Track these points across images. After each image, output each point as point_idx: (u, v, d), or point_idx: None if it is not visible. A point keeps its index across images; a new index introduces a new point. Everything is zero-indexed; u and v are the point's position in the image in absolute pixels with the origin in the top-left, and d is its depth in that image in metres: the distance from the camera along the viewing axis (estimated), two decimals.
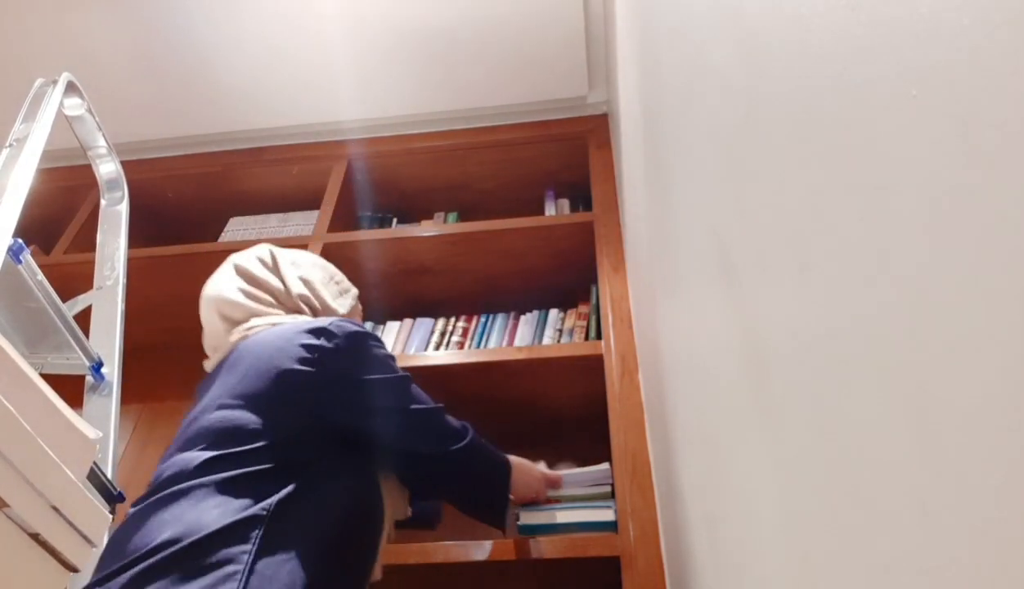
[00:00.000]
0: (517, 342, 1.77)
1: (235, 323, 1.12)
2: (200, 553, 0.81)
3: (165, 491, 0.89)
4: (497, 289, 1.88)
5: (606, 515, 1.31)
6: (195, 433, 0.96)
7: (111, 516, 0.68)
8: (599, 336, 1.58)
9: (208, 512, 0.85)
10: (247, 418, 0.95)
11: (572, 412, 1.64)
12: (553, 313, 1.82)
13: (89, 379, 1.21)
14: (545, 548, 1.22)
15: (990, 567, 0.25)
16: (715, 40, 0.61)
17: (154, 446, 1.92)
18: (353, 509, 0.98)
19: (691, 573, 0.89)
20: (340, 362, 1.01)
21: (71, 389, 1.00)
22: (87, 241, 1.90)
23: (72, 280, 1.39)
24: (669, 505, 1.08)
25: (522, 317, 1.84)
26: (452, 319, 1.87)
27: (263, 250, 1.22)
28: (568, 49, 1.87)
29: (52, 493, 0.57)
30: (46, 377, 0.67)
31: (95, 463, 1.01)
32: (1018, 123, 0.23)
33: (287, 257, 1.22)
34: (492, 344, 1.78)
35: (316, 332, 1.01)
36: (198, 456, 0.92)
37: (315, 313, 1.18)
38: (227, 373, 1.02)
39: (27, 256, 1.05)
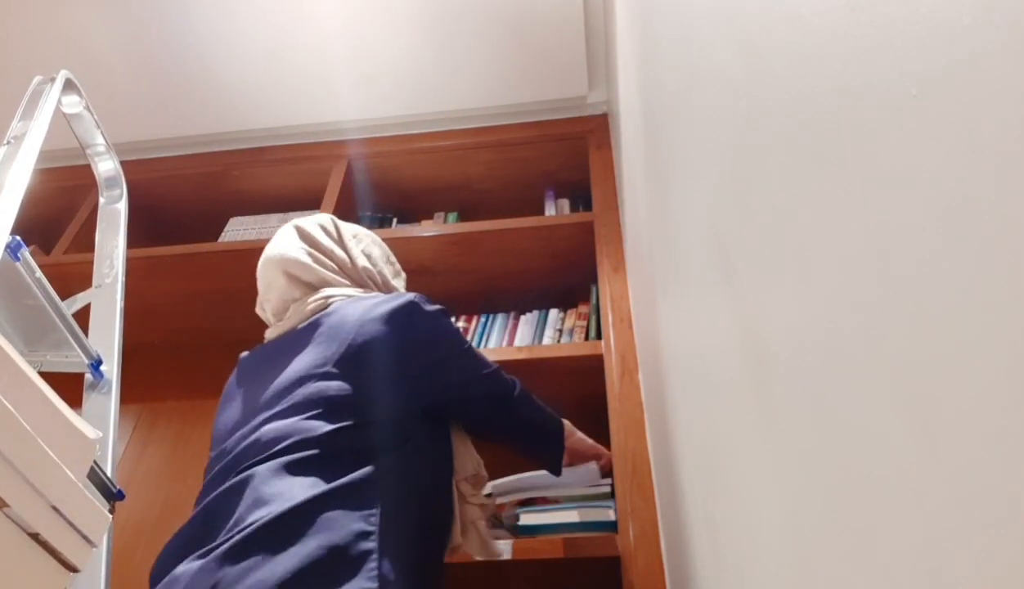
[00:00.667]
0: (517, 342, 1.77)
1: (306, 287, 1.11)
2: (332, 520, 0.82)
3: (279, 455, 0.88)
4: (497, 289, 1.88)
5: (606, 515, 1.31)
6: (298, 400, 0.94)
7: (111, 516, 0.68)
8: (599, 336, 1.58)
9: (329, 507, 0.84)
10: (352, 390, 0.94)
11: (572, 412, 1.64)
12: (553, 313, 1.82)
13: (88, 377, 1.21)
14: (545, 548, 1.22)
15: (991, 568, 0.25)
16: (715, 40, 0.61)
17: (154, 446, 1.93)
18: (438, 481, 1.03)
19: (691, 573, 0.89)
20: (439, 338, 1.05)
21: (70, 388, 1.00)
22: (87, 241, 1.90)
23: (72, 280, 1.39)
24: (669, 505, 1.08)
25: (522, 317, 1.84)
26: (452, 319, 1.87)
27: (325, 219, 1.22)
28: (568, 49, 1.87)
29: (52, 493, 0.57)
30: (45, 375, 0.67)
31: (95, 462, 1.01)
32: (1019, 123, 0.23)
33: (349, 230, 1.22)
34: (492, 344, 1.78)
35: (405, 309, 1.02)
36: (316, 425, 0.90)
37: (378, 288, 1.19)
38: (316, 343, 1.00)
39: (25, 253, 1.05)
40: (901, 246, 0.30)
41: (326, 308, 1.06)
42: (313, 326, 1.03)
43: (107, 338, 1.25)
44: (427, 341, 1.04)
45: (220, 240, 2.13)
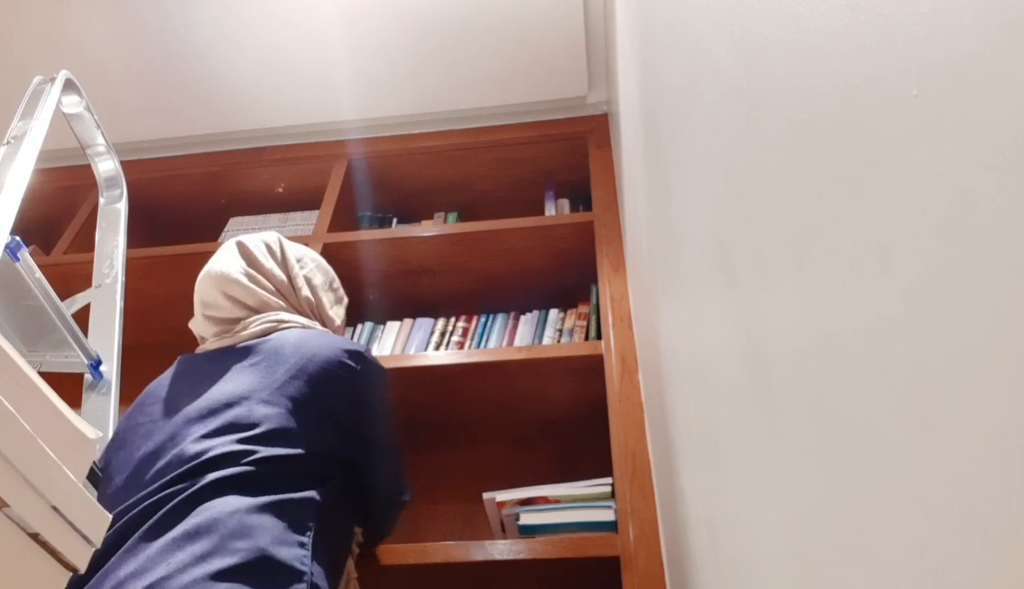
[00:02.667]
0: (517, 342, 1.77)
1: (247, 309, 1.10)
2: (263, 555, 0.81)
3: (210, 470, 0.87)
4: (497, 289, 1.88)
5: (606, 515, 1.31)
6: (232, 420, 0.93)
7: (111, 516, 0.68)
8: (599, 336, 1.58)
9: (266, 518, 0.85)
10: (300, 422, 0.94)
11: (572, 412, 1.64)
12: (553, 313, 1.82)
13: (88, 377, 1.21)
14: (545, 548, 1.22)
15: (991, 568, 0.25)
16: (715, 40, 0.61)
17: None
18: (346, 527, 1.03)
19: (692, 573, 0.89)
20: (370, 392, 1.04)
21: (70, 388, 1.00)
22: (87, 241, 1.90)
23: (72, 280, 1.39)
24: (669, 505, 1.08)
25: (522, 317, 1.84)
26: (452, 319, 1.87)
27: (272, 237, 1.20)
28: (568, 49, 1.87)
29: (52, 493, 0.57)
30: (45, 375, 0.67)
31: (95, 462, 1.01)
32: (1019, 123, 0.23)
33: (293, 252, 1.20)
34: (492, 344, 1.78)
35: (355, 356, 1.02)
36: (248, 448, 0.89)
37: (315, 317, 1.17)
38: (260, 366, 0.99)
39: (25, 254, 1.05)
40: (901, 246, 0.30)
41: (273, 332, 1.06)
42: (258, 348, 1.02)
43: (107, 338, 1.25)
44: (367, 388, 1.04)
45: (220, 240, 2.13)
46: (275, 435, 0.92)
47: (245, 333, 1.07)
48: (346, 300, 1.26)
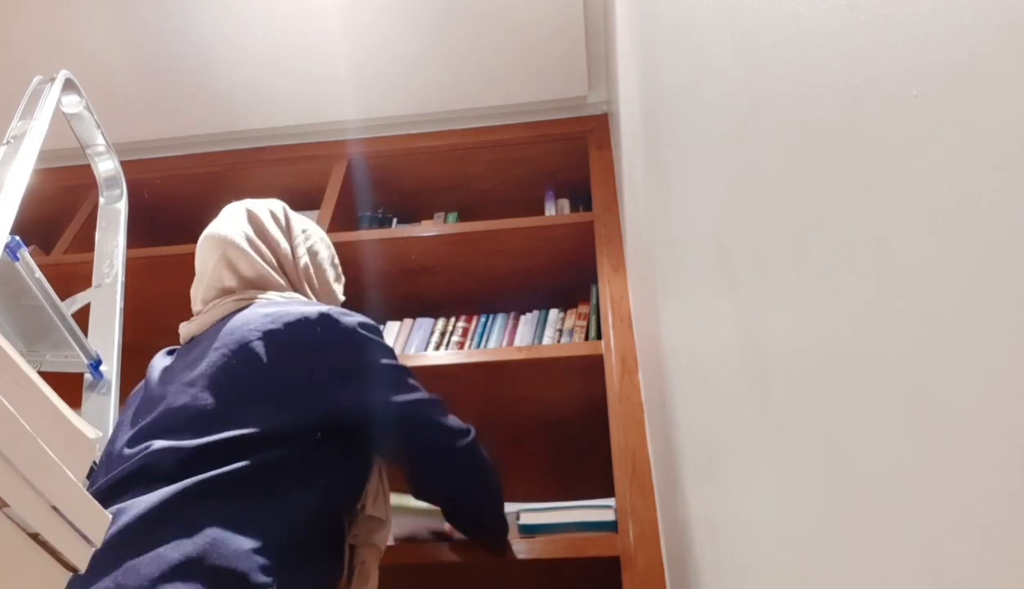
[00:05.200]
0: (517, 342, 1.77)
1: (242, 279, 1.04)
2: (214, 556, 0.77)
3: (157, 473, 0.82)
4: (497, 289, 1.88)
5: (606, 515, 1.31)
6: (190, 415, 0.88)
7: (111, 516, 0.68)
8: (599, 336, 1.57)
9: (234, 520, 0.80)
10: (244, 406, 0.88)
11: (572, 412, 1.64)
12: (553, 313, 1.82)
13: (88, 377, 1.21)
14: (545, 548, 1.22)
15: (991, 568, 0.25)
16: (715, 40, 0.61)
17: None
18: (332, 506, 0.95)
19: (692, 573, 0.89)
20: (346, 346, 0.96)
21: (70, 388, 1.00)
22: (87, 241, 1.90)
23: (72, 280, 1.39)
24: (669, 505, 1.08)
25: (522, 317, 1.84)
26: (452, 319, 1.87)
27: (277, 205, 1.15)
28: (568, 49, 1.87)
29: (52, 493, 0.57)
30: (45, 375, 0.67)
31: (95, 462, 1.01)
32: (1019, 123, 0.23)
33: (299, 223, 1.16)
34: (492, 344, 1.78)
35: (317, 318, 0.94)
36: (192, 442, 0.84)
37: (314, 291, 1.13)
38: (212, 350, 0.93)
39: (24, 253, 1.05)
40: (901, 245, 0.30)
41: (238, 310, 0.99)
42: (215, 331, 0.97)
43: (107, 338, 1.25)
44: (327, 348, 0.94)
45: None
46: (213, 422, 0.86)
47: (208, 317, 1.02)
48: (343, 280, 1.23)
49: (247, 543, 0.79)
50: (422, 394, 1.02)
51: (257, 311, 0.97)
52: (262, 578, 0.78)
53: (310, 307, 0.97)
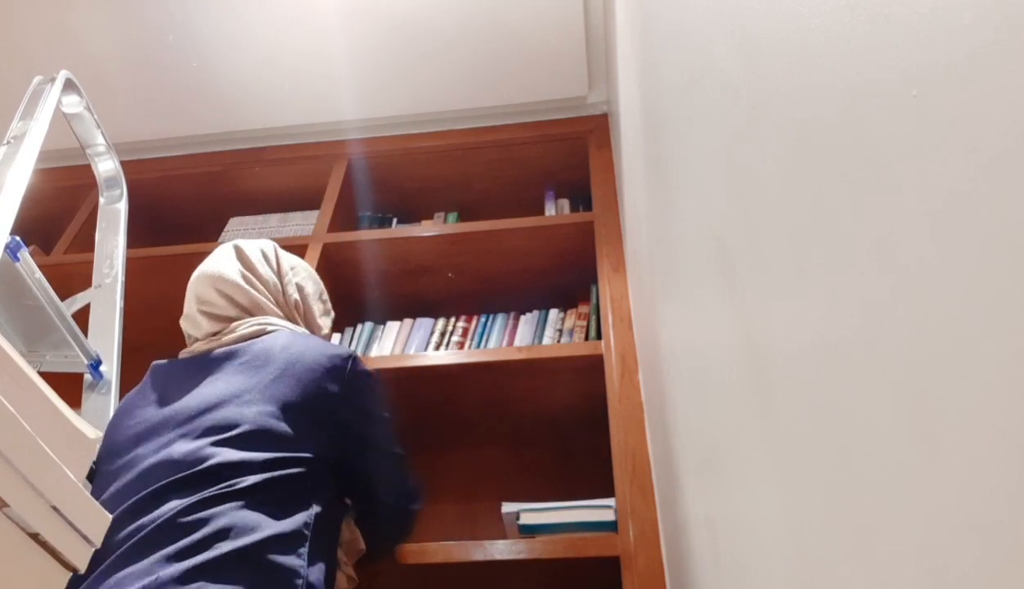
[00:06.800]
0: (517, 342, 1.77)
1: (240, 309, 1.10)
2: (258, 558, 0.82)
3: (212, 484, 0.87)
4: (497, 289, 1.88)
5: (606, 515, 1.31)
6: (214, 423, 0.92)
7: (111, 516, 0.68)
8: (599, 336, 1.57)
9: (263, 517, 0.86)
10: (286, 424, 0.93)
11: (572, 412, 1.64)
12: (553, 313, 1.82)
13: (88, 377, 1.21)
14: (545, 548, 1.22)
15: (991, 568, 0.25)
16: (715, 40, 0.61)
17: None
18: (337, 527, 1.02)
19: (692, 573, 0.89)
20: (359, 393, 1.03)
21: (70, 388, 1.00)
22: (87, 241, 1.90)
23: (72, 280, 1.39)
24: (669, 505, 1.08)
25: (522, 317, 1.84)
26: (452, 319, 1.87)
27: (268, 245, 1.21)
28: (568, 49, 1.87)
29: (52, 493, 0.57)
30: (45, 375, 0.67)
31: (94, 463, 1.01)
32: (1018, 123, 0.23)
33: (288, 261, 1.22)
34: (492, 344, 1.78)
35: (342, 358, 1.02)
36: (248, 456, 0.89)
37: (303, 324, 1.18)
38: (251, 368, 0.99)
39: (24, 254, 1.05)
40: (901, 245, 0.30)
41: (261, 335, 1.05)
42: (244, 350, 1.02)
43: (106, 338, 1.25)
44: (356, 393, 1.02)
45: (220, 240, 2.13)
46: (254, 437, 0.91)
47: (231, 336, 1.06)
48: (333, 314, 1.28)
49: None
50: (401, 452, 1.11)
51: (296, 342, 1.02)
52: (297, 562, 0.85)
53: (338, 348, 1.04)
